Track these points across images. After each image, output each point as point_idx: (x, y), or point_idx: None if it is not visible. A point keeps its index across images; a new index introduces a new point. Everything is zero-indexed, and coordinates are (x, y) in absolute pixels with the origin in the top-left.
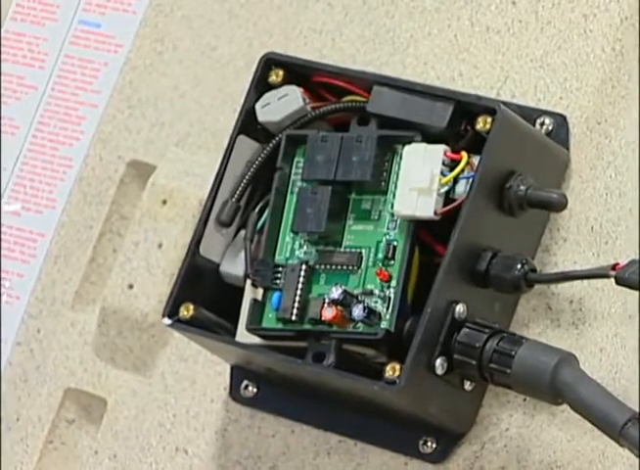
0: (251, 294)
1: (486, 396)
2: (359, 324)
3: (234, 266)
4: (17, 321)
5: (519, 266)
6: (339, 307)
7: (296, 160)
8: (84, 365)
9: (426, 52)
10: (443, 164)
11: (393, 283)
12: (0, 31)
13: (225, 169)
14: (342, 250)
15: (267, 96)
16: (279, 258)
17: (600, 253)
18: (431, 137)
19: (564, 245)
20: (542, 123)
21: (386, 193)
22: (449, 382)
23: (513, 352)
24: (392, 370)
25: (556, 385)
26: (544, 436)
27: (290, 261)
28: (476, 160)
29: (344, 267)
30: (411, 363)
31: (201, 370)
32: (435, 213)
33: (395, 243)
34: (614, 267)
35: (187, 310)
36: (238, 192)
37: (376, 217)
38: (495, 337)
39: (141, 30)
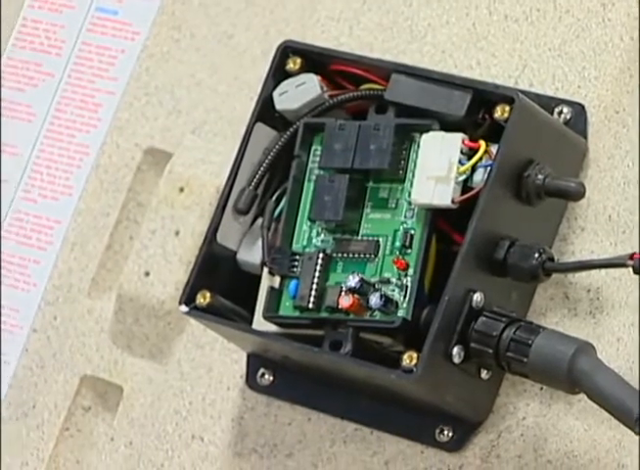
0: (268, 282)
1: (503, 384)
2: (376, 312)
3: (251, 254)
4: (33, 308)
5: (536, 255)
6: (356, 296)
7: (313, 148)
8: (100, 352)
9: (444, 40)
10: (461, 152)
11: (411, 271)
12: None
13: (243, 157)
14: (359, 238)
15: (285, 84)
16: (296, 247)
17: (618, 242)
18: (448, 125)
19: (581, 234)
20: (560, 112)
21: (403, 181)
22: (466, 371)
23: (530, 341)
24: (410, 359)
25: (573, 374)
26: (561, 425)
27: (307, 250)
28: (494, 148)
29: (362, 256)
30: (428, 352)
31: (217, 358)
32: (453, 202)
33: (413, 231)
34: (631, 257)
35: (204, 298)
36: (255, 180)
37: (393, 206)
38: (512, 326)
39: (158, 18)
